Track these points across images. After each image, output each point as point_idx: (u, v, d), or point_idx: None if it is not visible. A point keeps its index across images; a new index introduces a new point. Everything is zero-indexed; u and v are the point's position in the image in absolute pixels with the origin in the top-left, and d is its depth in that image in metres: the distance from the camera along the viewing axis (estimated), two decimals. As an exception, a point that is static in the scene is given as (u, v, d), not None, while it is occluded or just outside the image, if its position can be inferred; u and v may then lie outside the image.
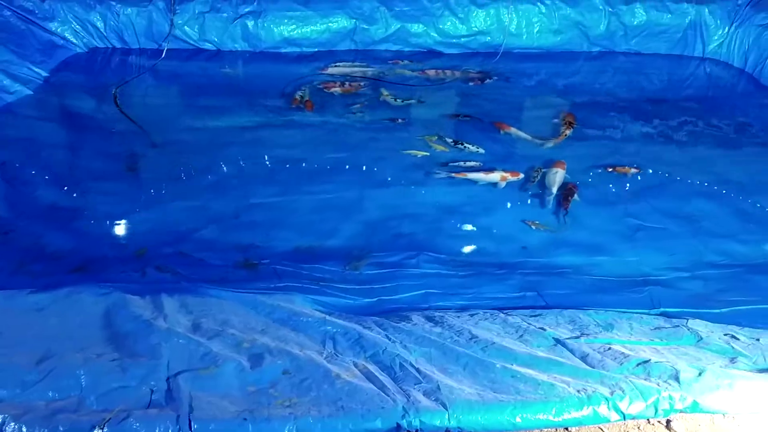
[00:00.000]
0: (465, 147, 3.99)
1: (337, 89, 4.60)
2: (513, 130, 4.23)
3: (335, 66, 4.86)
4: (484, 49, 5.21)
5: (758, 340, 2.39)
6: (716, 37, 5.29)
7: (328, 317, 2.44)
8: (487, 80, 4.83)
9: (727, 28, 5.26)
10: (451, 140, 4.03)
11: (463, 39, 5.16)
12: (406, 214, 3.55)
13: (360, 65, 4.92)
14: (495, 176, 3.76)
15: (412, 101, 4.49)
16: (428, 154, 3.99)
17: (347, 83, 4.66)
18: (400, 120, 4.34)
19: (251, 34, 5.06)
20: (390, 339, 2.26)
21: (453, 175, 3.75)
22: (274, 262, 3.12)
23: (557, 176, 3.76)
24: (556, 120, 4.45)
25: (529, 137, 4.19)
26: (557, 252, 3.32)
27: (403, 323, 2.41)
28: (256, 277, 3.00)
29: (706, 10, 5.25)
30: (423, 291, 2.94)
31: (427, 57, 5.18)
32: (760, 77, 5.03)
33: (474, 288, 3.00)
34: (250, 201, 3.58)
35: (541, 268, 3.19)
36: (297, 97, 4.47)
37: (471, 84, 4.82)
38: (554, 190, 3.69)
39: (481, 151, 3.98)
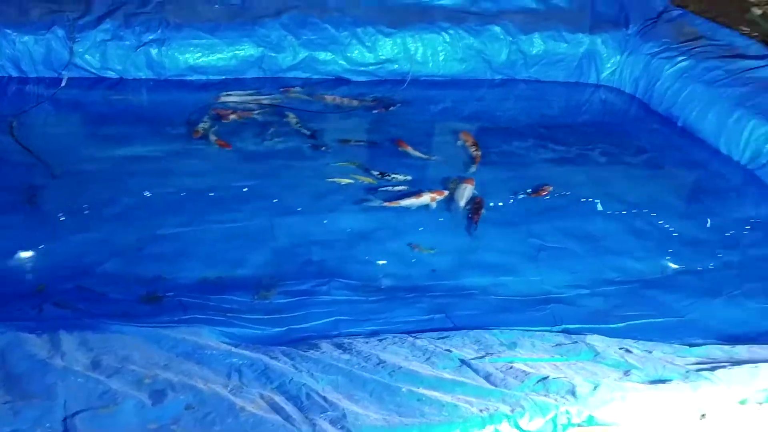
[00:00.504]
0: (393, 177, 4.05)
1: (234, 117, 4.57)
2: (410, 148, 4.37)
3: (227, 95, 4.83)
4: (392, 77, 5.31)
5: (650, 352, 2.52)
6: (609, 65, 5.59)
7: (234, 349, 2.40)
8: (392, 107, 4.92)
9: (618, 57, 5.56)
10: (377, 172, 4.08)
11: (371, 67, 5.25)
12: (316, 241, 3.55)
13: (251, 93, 4.91)
14: (425, 198, 3.84)
15: (314, 131, 4.53)
16: (352, 181, 4.02)
17: (241, 111, 4.64)
18: (311, 146, 4.36)
19: (155, 62, 4.98)
20: (297, 368, 2.26)
21: (386, 204, 3.80)
22: (180, 294, 3.04)
23: (466, 191, 3.90)
24: (459, 142, 4.58)
25: (423, 155, 4.34)
26: (465, 274, 3.40)
27: (312, 351, 2.41)
28: (160, 310, 2.92)
29: (599, 40, 5.54)
30: (333, 318, 2.94)
31: (336, 84, 5.24)
32: (649, 103, 5.34)
33: (385, 313, 3.03)
34: (156, 232, 3.49)
35: (449, 290, 3.26)
36: (199, 129, 4.41)
37: (375, 111, 4.90)
38: (462, 204, 3.83)
39: (409, 178, 4.06)
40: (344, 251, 3.51)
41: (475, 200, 3.88)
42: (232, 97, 4.85)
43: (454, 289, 3.26)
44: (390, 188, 3.96)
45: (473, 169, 4.27)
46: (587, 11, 5.72)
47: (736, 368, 2.27)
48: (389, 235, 3.64)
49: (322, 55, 5.18)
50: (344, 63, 5.21)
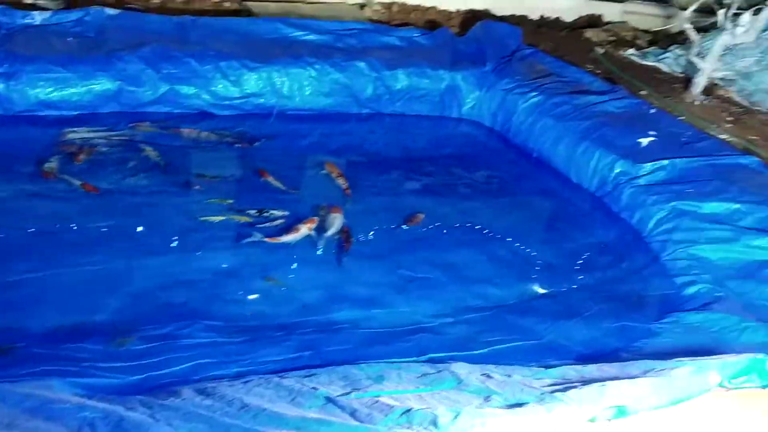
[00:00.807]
0: (270, 214, 4.00)
1: (83, 155, 4.35)
2: (271, 178, 4.38)
3: (72, 131, 4.60)
4: (259, 111, 5.27)
5: (510, 376, 2.62)
6: (469, 100, 5.85)
7: (87, 401, 2.25)
8: (256, 143, 4.87)
9: (478, 92, 5.83)
10: (254, 211, 4.01)
11: (236, 101, 5.18)
12: (180, 282, 3.44)
13: (100, 128, 4.71)
14: (304, 230, 3.83)
15: (174, 165, 4.42)
16: (224, 218, 3.93)
17: (89, 147, 4.44)
18: (175, 182, 4.23)
19: (3, 96, 4.66)
20: (155, 418, 2.14)
21: (267, 240, 3.74)
22: (31, 344, 2.85)
23: (336, 221, 3.94)
24: (323, 172, 4.63)
25: (283, 186, 4.34)
26: (335, 308, 3.40)
27: (171, 399, 2.30)
28: (10, 363, 2.72)
29: (460, 77, 5.80)
30: (195, 362, 2.85)
31: (200, 118, 5.11)
32: (507, 135, 5.62)
33: (251, 353, 2.96)
34: (4, 279, 3.24)
35: (319, 325, 3.25)
36: (46, 170, 4.15)
37: (238, 146, 4.83)
38: (332, 232, 3.86)
39: (287, 213, 4.02)
40: (209, 291, 3.42)
41: (344, 229, 3.93)
42: (79, 133, 4.60)
43: (324, 325, 3.25)
44: (268, 224, 3.92)
45: (347, 203, 4.30)
46: (448, 49, 5.99)
47: (586, 387, 2.40)
48: (257, 272, 3.59)
49: (185, 89, 5.05)
50: (208, 97, 5.11)
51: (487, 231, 4.31)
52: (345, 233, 3.91)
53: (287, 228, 3.87)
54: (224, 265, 3.62)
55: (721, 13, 6.02)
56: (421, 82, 5.72)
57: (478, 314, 3.50)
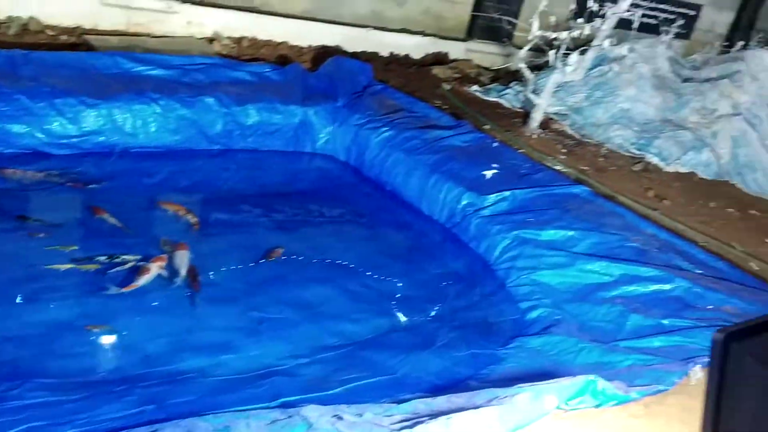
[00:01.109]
0: (123, 259, 3.76)
1: None
2: (107, 215, 4.17)
3: None
4: (99, 150, 4.98)
5: (361, 415, 2.60)
6: (322, 135, 5.89)
7: None
8: (93, 184, 4.57)
9: (330, 127, 5.89)
10: (105, 257, 3.75)
11: (74, 140, 4.87)
12: (7, 338, 3.14)
13: None
14: (154, 269, 3.65)
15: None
16: (71, 266, 3.65)
17: None
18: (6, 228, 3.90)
19: None
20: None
21: (124, 290, 3.52)
22: None
23: (184, 258, 3.78)
24: (165, 209, 4.47)
25: (119, 224, 4.14)
26: (182, 357, 3.25)
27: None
28: None
29: (312, 112, 5.83)
30: (25, 426, 2.60)
31: (34, 159, 4.75)
32: (361, 169, 5.71)
33: (88, 411, 2.75)
34: None
35: (164, 376, 3.08)
36: None
37: (70, 185, 4.52)
38: (183, 272, 3.70)
39: (138, 257, 3.80)
40: (43, 346, 3.15)
41: (191, 267, 3.78)
42: None
43: (168, 375, 3.09)
44: (118, 268, 3.70)
45: (197, 240, 4.14)
46: (299, 84, 6.01)
47: (433, 422, 2.44)
48: (97, 321, 3.35)
49: (16, 128, 4.68)
50: (42, 136, 4.76)
51: (342, 265, 4.32)
52: (191, 272, 3.74)
53: (136, 270, 3.66)
54: (60, 317, 3.36)
55: (551, 53, 6.50)
56: (272, 118, 5.68)
57: (333, 352, 3.48)
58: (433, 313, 4.03)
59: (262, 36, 7.31)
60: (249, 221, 4.69)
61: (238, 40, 7.16)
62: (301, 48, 7.48)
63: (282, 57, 7.12)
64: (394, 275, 4.35)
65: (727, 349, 1.32)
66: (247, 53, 7.02)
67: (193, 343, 3.35)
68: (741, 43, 10.60)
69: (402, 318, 3.89)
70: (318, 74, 6.34)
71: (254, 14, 7.21)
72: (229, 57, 6.63)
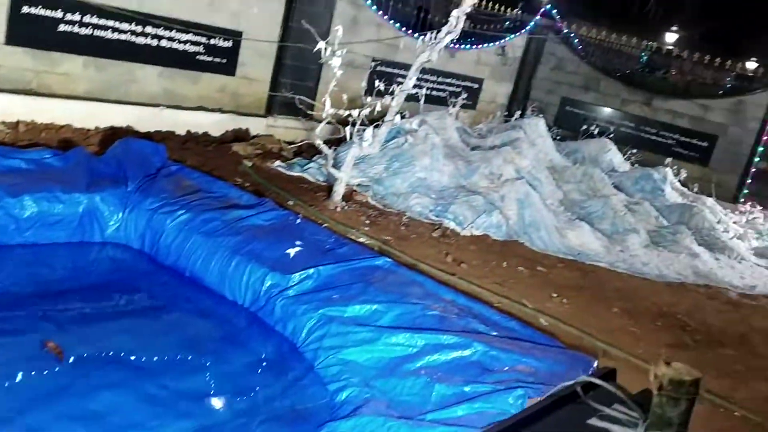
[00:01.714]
0: None
1: None
2: None
3: None
4: None
5: None
6: (113, 222, 5.49)
7: None
8: None
9: (121, 213, 5.52)
10: None
11: None
12: None
13: None
14: None
15: None
16: None
17: None
18: None
19: None
20: None
21: None
22: None
23: None
24: None
25: None
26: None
27: None
28: None
29: (98, 198, 5.43)
30: None
31: None
32: (157, 256, 5.38)
33: None
34: None
35: None
36: None
37: None
38: None
39: None
40: None
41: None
42: None
43: None
44: None
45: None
46: (84, 170, 5.60)
47: None
48: None
49: None
50: None
51: (137, 365, 3.97)
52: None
53: None
54: None
55: (346, 129, 6.70)
56: (54, 207, 5.22)
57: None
58: (238, 410, 3.81)
59: (42, 119, 6.78)
60: (23, 327, 4.18)
61: (14, 125, 6.57)
62: (88, 130, 7.03)
63: (65, 141, 6.63)
64: (195, 371, 4.07)
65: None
66: (24, 138, 6.46)
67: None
68: (518, 112, 11.78)
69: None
70: (105, 158, 5.97)
71: (31, 96, 6.68)
72: (3, 144, 6.04)
